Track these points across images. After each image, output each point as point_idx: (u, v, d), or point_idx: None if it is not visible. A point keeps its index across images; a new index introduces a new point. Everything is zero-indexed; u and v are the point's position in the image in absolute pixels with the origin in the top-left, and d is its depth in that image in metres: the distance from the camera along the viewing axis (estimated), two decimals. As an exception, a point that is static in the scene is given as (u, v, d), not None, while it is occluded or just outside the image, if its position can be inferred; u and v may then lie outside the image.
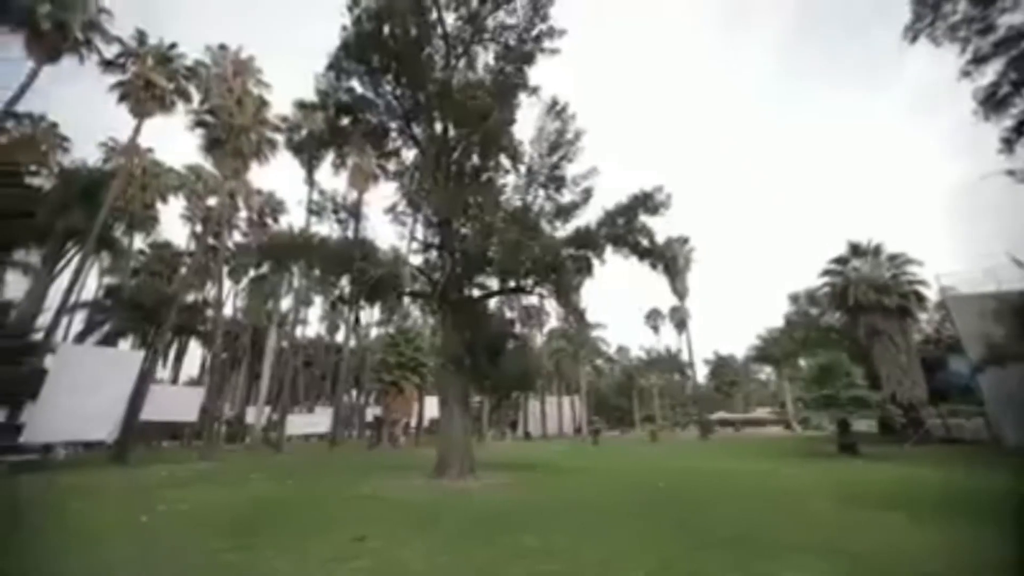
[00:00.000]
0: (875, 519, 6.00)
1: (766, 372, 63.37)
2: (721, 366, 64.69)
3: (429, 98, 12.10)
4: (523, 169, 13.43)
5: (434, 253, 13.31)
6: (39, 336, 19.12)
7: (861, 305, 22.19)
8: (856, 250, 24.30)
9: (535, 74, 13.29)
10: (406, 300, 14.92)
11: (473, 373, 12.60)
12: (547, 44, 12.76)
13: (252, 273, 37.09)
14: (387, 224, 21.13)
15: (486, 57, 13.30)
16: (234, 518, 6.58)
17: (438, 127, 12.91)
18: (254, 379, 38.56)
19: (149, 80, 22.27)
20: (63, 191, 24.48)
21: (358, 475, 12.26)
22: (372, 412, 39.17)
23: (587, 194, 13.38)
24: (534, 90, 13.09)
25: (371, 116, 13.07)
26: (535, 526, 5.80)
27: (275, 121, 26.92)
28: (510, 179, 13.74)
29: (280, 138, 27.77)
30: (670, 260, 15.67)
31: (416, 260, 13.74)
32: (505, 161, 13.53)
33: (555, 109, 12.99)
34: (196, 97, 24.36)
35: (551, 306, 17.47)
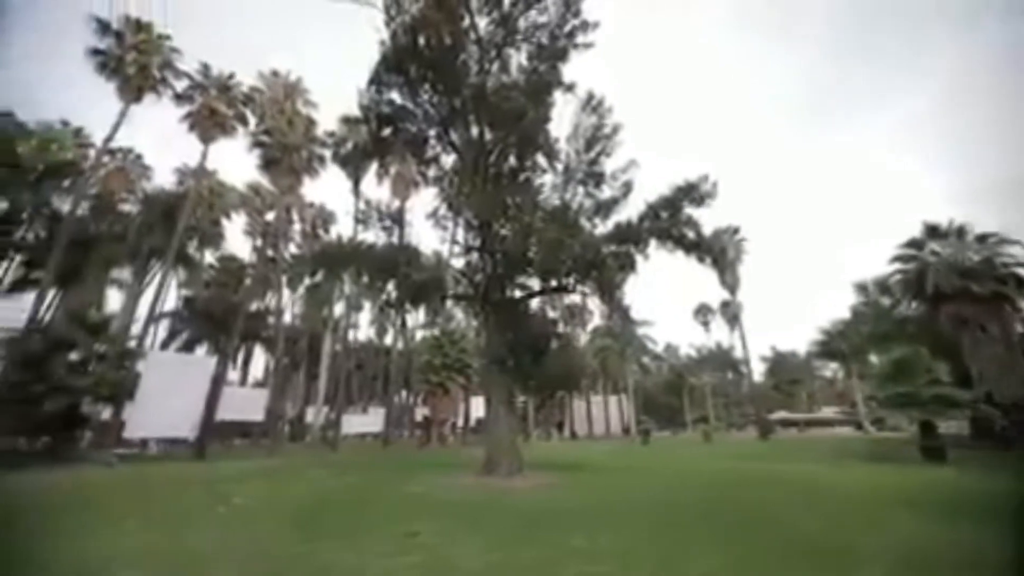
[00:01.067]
0: (958, 533, 5.39)
1: (831, 369, 58.61)
2: (780, 363, 60.71)
3: (465, 103, 12.32)
4: (560, 167, 13.35)
5: (475, 255, 13.51)
6: (133, 343, 21.44)
7: (943, 293, 19.98)
8: (934, 232, 21.94)
9: (570, 70, 13.11)
10: (449, 302, 15.28)
11: (516, 373, 12.66)
12: (580, 39, 12.60)
13: (307, 281, 39.45)
14: (429, 229, 21.71)
15: (519, 58, 13.35)
16: (298, 511, 7.02)
17: (474, 131, 13.10)
18: (312, 381, 40.98)
19: (213, 109, 24.33)
20: (147, 214, 27.29)
21: (410, 473, 12.69)
22: (421, 412, 40.41)
23: (627, 188, 13.06)
24: (569, 87, 12.97)
25: (410, 125, 13.49)
26: (584, 527, 5.73)
27: (323, 137, 28.50)
28: (548, 178, 13.71)
29: (328, 153, 29.40)
30: (719, 252, 14.91)
31: (458, 263, 14.06)
32: (542, 160, 13.50)
33: (591, 104, 12.79)
34: (252, 120, 26.31)
35: (594, 304, 17.20)
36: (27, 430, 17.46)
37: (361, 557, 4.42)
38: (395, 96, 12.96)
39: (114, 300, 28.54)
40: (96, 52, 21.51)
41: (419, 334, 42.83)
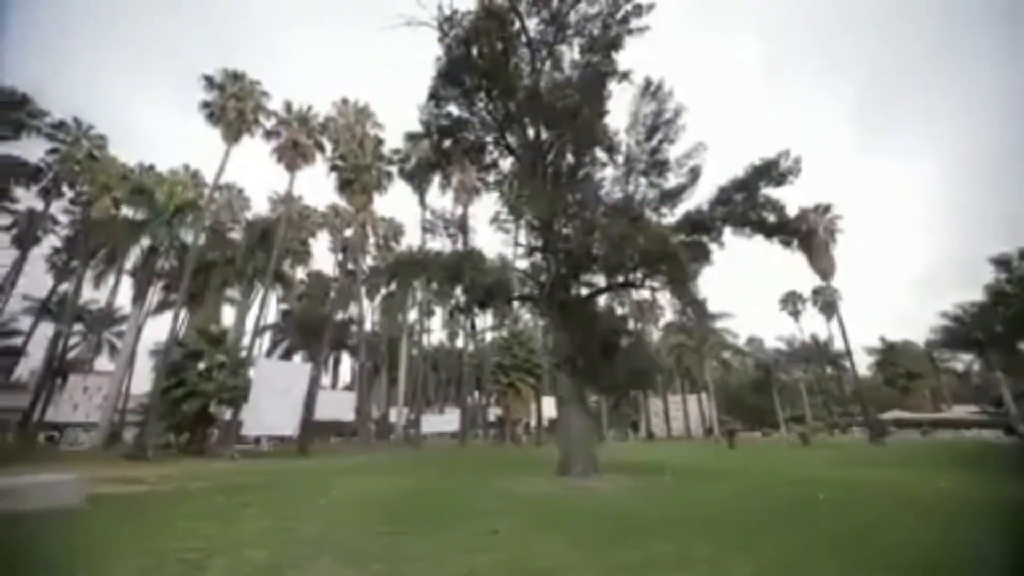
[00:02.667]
0: None
1: (963, 361, 49.66)
2: (891, 355, 52.86)
3: (519, 106, 12.44)
4: (621, 159, 12.94)
5: (538, 256, 13.58)
6: (244, 353, 24.58)
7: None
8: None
9: (626, 58, 12.66)
10: (515, 304, 15.48)
11: (586, 373, 12.47)
12: (634, 23, 12.13)
13: (384, 291, 42.36)
14: (493, 233, 22.23)
15: (571, 53, 13.18)
16: (387, 504, 7.56)
17: (530, 133, 13.17)
18: (393, 384, 43.83)
19: (296, 141, 27.13)
20: (249, 240, 31.10)
21: (486, 471, 13.05)
22: (494, 412, 41.37)
23: (694, 174, 12.30)
24: (624, 75, 12.54)
25: (468, 134, 13.93)
26: (668, 532, 5.48)
27: (389, 155, 30.45)
28: (608, 171, 13.37)
29: (395, 169, 31.34)
30: (806, 235, 13.46)
31: (522, 265, 14.21)
32: (601, 154, 13.20)
33: (649, 90, 12.24)
34: (328, 147, 28.90)
35: (665, 299, 16.39)
36: (174, 428, 20.79)
37: (444, 551, 4.64)
38: (453, 108, 13.46)
39: (228, 316, 33.00)
40: (205, 105, 25.04)
41: (488, 336, 43.95)
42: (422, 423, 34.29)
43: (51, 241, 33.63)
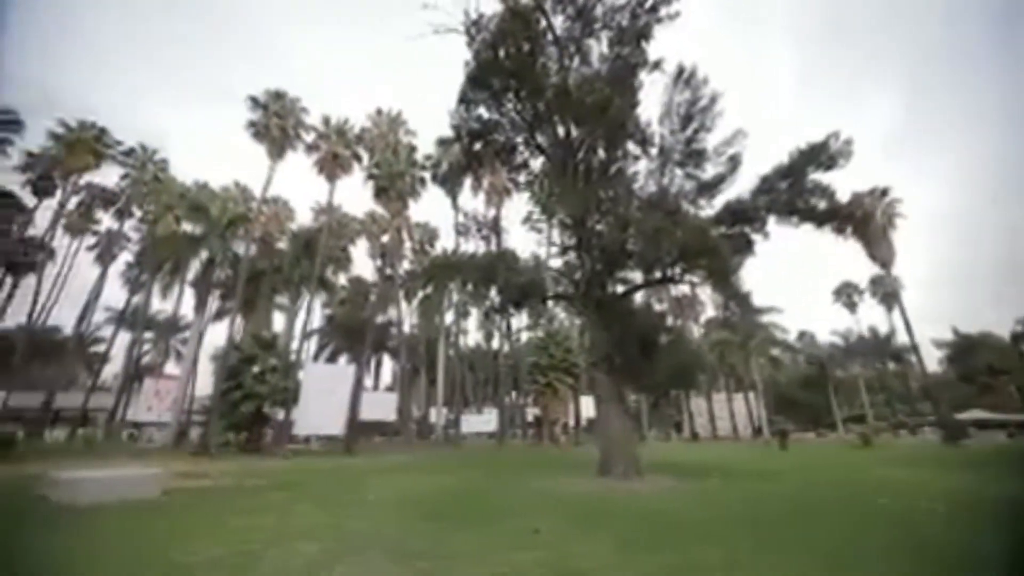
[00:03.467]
0: None
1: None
2: (967, 348, 47.99)
3: (548, 105, 12.37)
4: (654, 151, 12.58)
5: (572, 254, 13.43)
6: (294, 357, 25.93)
7: None
8: None
9: (656, 48, 12.29)
10: (550, 303, 15.41)
11: (624, 371, 12.21)
12: (664, 11, 11.76)
13: (420, 294, 43.38)
14: (525, 233, 22.24)
15: (600, 47, 12.96)
16: (430, 502, 7.74)
17: (560, 130, 13.06)
18: (431, 385, 44.80)
19: (335, 153, 28.32)
20: (294, 249, 32.80)
21: (525, 471, 13.07)
22: (532, 412, 41.36)
23: (734, 163, 11.75)
24: (656, 64, 12.19)
25: (499, 136, 14.00)
26: (714, 535, 5.26)
27: (422, 161, 31.16)
28: (642, 165, 13.04)
29: (428, 175, 32.04)
30: (861, 221, 12.55)
31: (556, 264, 14.11)
32: (634, 148, 12.89)
33: (682, 78, 11.82)
34: (365, 156, 29.98)
35: (706, 294, 15.76)
36: (233, 427, 22.27)
37: (486, 548, 4.69)
38: (482, 111, 13.58)
39: (278, 322, 34.96)
40: (251, 124, 26.66)
41: (524, 336, 43.97)
42: (461, 423, 34.82)
43: (125, 257, 37.04)
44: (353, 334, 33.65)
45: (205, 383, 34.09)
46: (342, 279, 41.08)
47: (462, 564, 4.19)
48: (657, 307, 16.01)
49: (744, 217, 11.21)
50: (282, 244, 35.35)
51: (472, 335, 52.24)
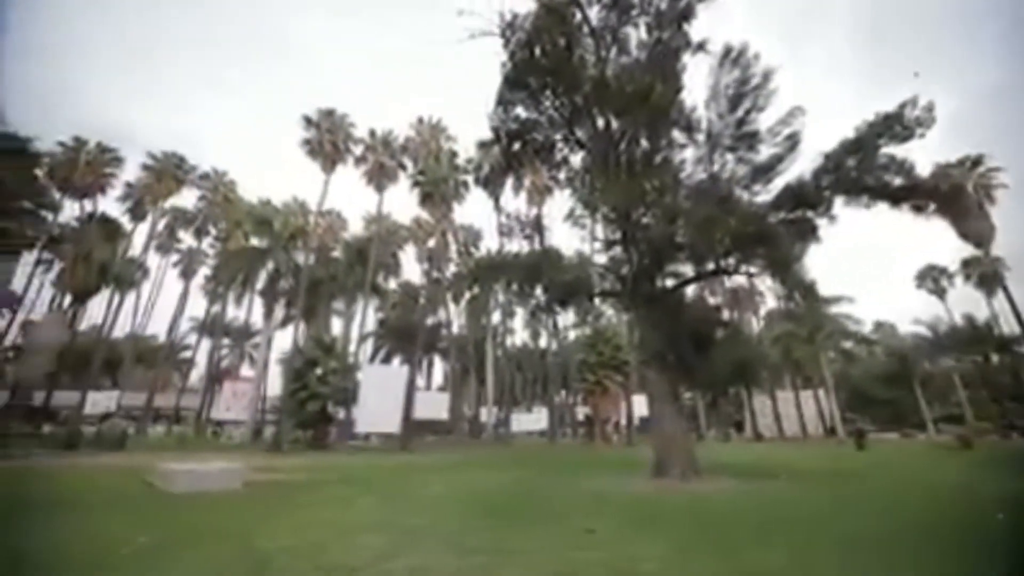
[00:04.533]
0: None
1: None
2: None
3: (586, 99, 12.16)
4: (702, 137, 11.98)
5: (618, 249, 13.12)
6: (351, 359, 27.44)
7: None
8: None
9: (700, 27, 11.71)
10: (597, 300, 15.14)
11: (678, 368, 11.75)
12: (706, -11, 11.17)
13: (467, 295, 44.28)
14: (569, 230, 22.05)
15: (638, 34, 12.53)
16: (484, 499, 7.88)
17: (600, 123, 12.81)
18: (481, 384, 45.57)
19: (382, 164, 29.63)
20: (347, 256, 34.65)
21: (577, 470, 12.95)
22: (582, 411, 40.88)
23: (792, 142, 10.93)
24: (700, 46, 11.61)
25: (537, 135, 13.95)
26: (782, 538, 4.93)
27: (464, 165, 31.80)
28: (688, 152, 12.47)
29: (470, 178, 32.65)
30: (947, 196, 11.24)
31: (601, 259, 13.85)
32: (679, 135, 12.36)
33: (729, 57, 11.16)
34: (409, 165, 31.09)
35: (765, 284, 14.77)
36: (300, 425, 23.94)
37: (541, 546, 4.71)
38: (520, 111, 13.60)
39: (336, 326, 37.12)
40: (306, 142, 28.55)
41: (571, 334, 43.54)
42: (511, 422, 35.12)
43: (204, 271, 41.03)
44: (405, 336, 35.03)
45: (275, 384, 36.95)
46: (392, 284, 42.90)
47: (518, 560, 4.24)
48: (711, 300, 15.22)
49: (806, 200, 10.38)
50: (337, 253, 37.53)
51: (519, 334, 52.50)
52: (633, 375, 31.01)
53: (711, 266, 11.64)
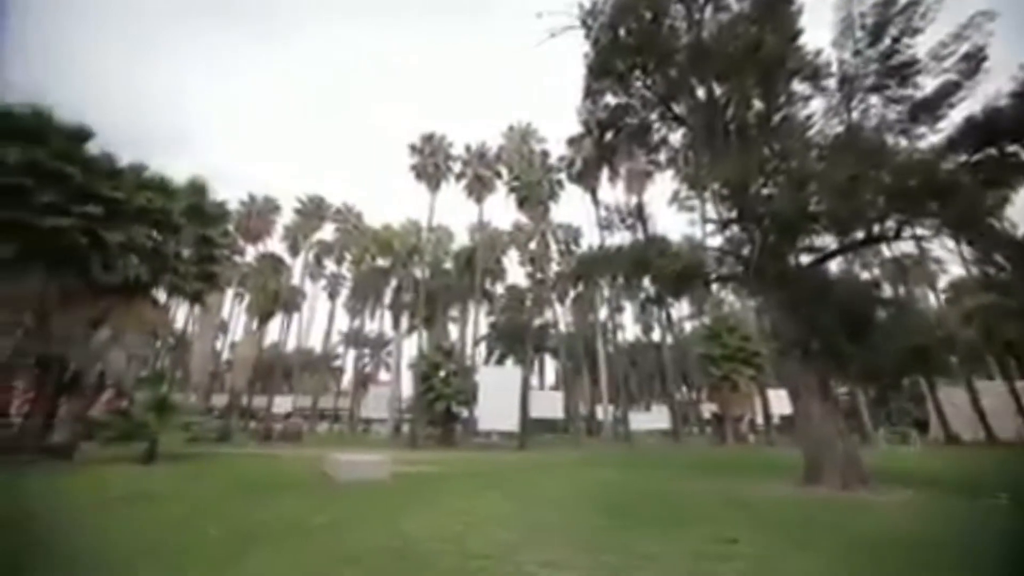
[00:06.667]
0: None
1: None
2: None
3: (681, 70, 11.19)
4: (833, 83, 10.10)
5: (736, 228, 11.75)
6: (468, 362, 29.41)
7: None
8: None
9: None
10: (714, 287, 13.78)
11: (827, 358, 10.02)
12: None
13: (572, 293, 44.08)
14: (675, 214, 20.57)
15: (738, -16, 11.11)
16: (609, 499, 7.71)
17: (700, 93, 11.66)
18: (594, 382, 44.83)
19: (479, 176, 31.27)
20: (456, 267, 37.18)
21: (709, 472, 11.88)
22: (708, 408, 37.52)
23: (974, 61, 8.53)
24: (820, -24, 9.81)
25: (630, 119, 13.29)
26: (989, 569, 3.84)
27: (557, 164, 31.85)
28: (816, 104, 10.62)
29: (563, 176, 32.56)
30: None
31: (716, 242, 12.56)
32: (801, 86, 10.62)
33: (865, -22, 9.20)
34: (504, 172, 32.24)
35: (946, 248, 11.76)
36: (430, 424, 26.42)
37: (676, 553, 4.43)
38: (609, 98, 13.11)
39: (453, 333, 40.18)
40: (412, 167, 31.59)
41: (687, 326, 40.33)
42: (629, 420, 33.82)
43: (345, 291, 48.04)
44: (514, 338, 36.29)
45: (409, 387, 41.41)
46: (499, 288, 44.83)
47: (652, 566, 4.05)
48: (864, 275, 12.67)
49: (999, 132, 8.02)
50: (447, 264, 40.64)
51: (630, 329, 50.40)
52: (767, 367, 27.42)
53: (860, 234, 9.71)
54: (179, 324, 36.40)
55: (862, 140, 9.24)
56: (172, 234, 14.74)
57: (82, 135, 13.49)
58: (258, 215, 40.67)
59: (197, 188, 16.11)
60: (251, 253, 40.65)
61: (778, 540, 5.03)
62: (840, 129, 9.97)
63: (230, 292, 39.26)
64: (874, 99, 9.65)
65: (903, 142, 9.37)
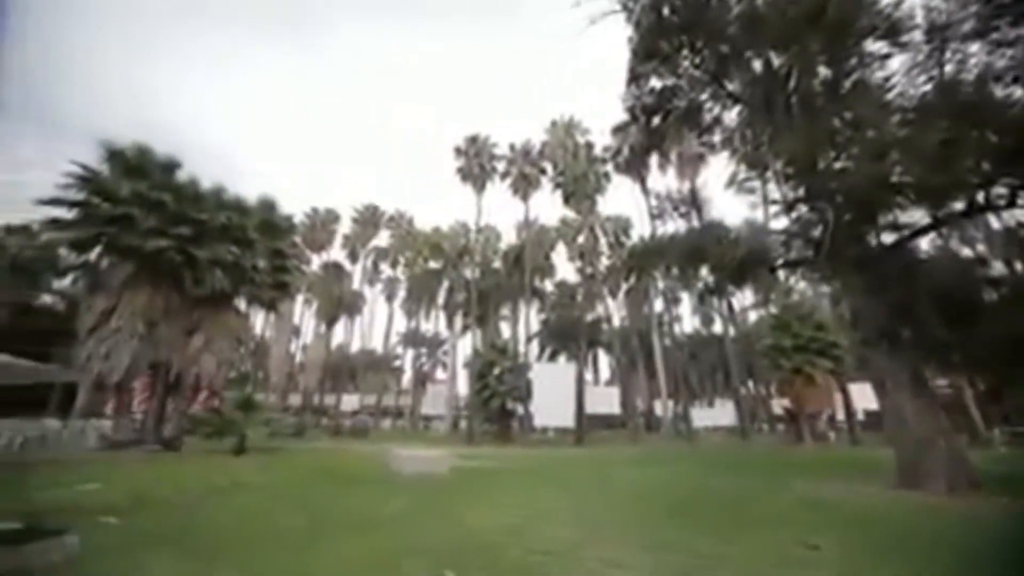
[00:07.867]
0: None
1: None
2: None
3: (734, 44, 10.44)
4: (918, 36, 8.93)
5: (803, 208, 10.79)
6: (521, 359, 29.59)
7: None
8: None
9: None
10: (781, 273, 12.76)
11: (920, 346, 8.92)
12: None
13: (624, 286, 42.89)
14: (733, 197, 19.37)
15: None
16: (672, 497, 7.42)
17: (756, 66, 10.82)
18: (651, 377, 43.33)
19: (524, 174, 31.31)
20: (506, 266, 37.51)
21: (783, 472, 11.04)
22: (779, 404, 34.86)
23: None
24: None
25: (679, 101, 12.65)
26: None
27: (602, 155, 31.08)
28: (894, 63, 9.46)
29: (610, 167, 31.71)
30: None
31: (780, 225, 11.62)
32: (875, 45, 9.51)
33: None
34: (549, 168, 32.01)
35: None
36: (486, 420, 26.91)
37: (749, 557, 4.17)
38: (654, 82, 12.56)
39: (506, 331, 40.64)
40: (459, 170, 32.29)
41: (752, 316, 37.77)
42: (691, 416, 32.33)
43: (401, 294, 50.26)
44: (567, 334, 35.96)
45: (465, 384, 42.51)
46: (549, 285, 44.64)
47: (724, 569, 3.85)
48: (964, 251, 11.08)
49: None
50: (497, 263, 41.14)
51: (687, 321, 48.17)
52: (846, 359, 24.94)
53: (959, 205, 8.53)
54: (257, 330, 40.18)
55: (957, 96, 8.08)
56: (248, 248, 16.28)
57: (172, 165, 15.30)
58: (321, 226, 43.71)
59: (267, 204, 17.64)
60: (315, 262, 43.77)
61: (866, 547, 4.56)
62: (928, 88, 8.80)
63: (299, 299, 42.58)
64: (973, 47, 8.40)
65: (1018, 91, 8.05)
